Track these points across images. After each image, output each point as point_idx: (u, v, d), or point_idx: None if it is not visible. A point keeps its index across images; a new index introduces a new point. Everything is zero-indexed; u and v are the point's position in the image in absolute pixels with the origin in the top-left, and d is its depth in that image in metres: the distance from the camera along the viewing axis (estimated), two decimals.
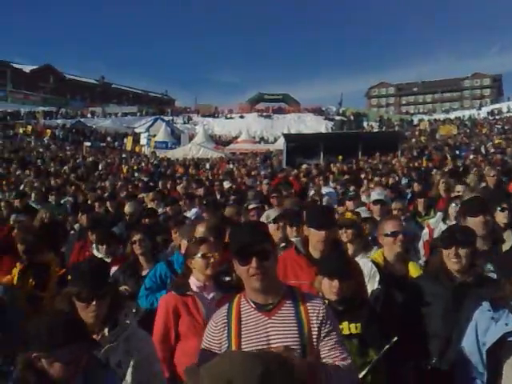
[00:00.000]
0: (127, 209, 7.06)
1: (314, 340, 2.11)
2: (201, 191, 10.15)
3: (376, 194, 6.56)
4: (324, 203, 7.88)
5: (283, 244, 4.54)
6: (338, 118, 58.09)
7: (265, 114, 61.16)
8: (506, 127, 39.74)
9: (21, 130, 38.24)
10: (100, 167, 21.31)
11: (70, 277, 2.91)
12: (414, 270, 3.75)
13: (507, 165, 13.97)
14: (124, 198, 9.25)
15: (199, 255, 3.38)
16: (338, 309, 2.84)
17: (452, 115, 59.21)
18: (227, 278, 3.61)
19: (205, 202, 7.98)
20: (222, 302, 3.21)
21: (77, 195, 11.22)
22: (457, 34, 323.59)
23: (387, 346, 2.82)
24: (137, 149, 34.94)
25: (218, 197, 10.11)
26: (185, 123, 55.98)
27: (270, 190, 9.77)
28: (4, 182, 15.12)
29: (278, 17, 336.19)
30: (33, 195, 10.51)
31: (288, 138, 26.10)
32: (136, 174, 18.73)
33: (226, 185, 12.76)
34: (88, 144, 33.32)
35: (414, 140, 35.82)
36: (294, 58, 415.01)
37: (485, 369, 2.63)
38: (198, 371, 1.47)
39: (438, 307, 3.09)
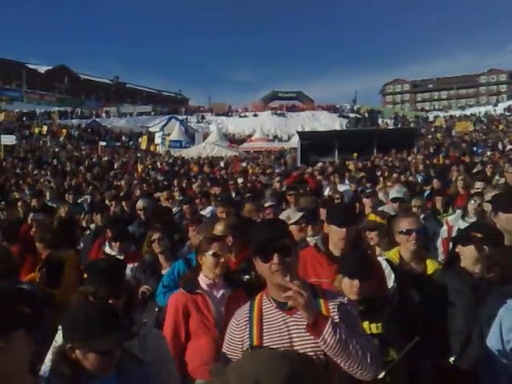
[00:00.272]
0: (140, 204, 7.05)
1: None
2: (216, 189, 10.17)
3: (395, 191, 6.51)
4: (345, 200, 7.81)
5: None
6: (352, 115, 57.56)
7: (279, 111, 60.79)
8: None
9: (36, 130, 38.57)
10: (115, 166, 21.47)
11: (85, 275, 2.92)
12: (432, 267, 3.67)
13: None
14: (139, 197, 9.27)
15: (210, 253, 3.37)
16: (359, 309, 2.80)
17: (468, 112, 58.41)
18: (246, 277, 3.59)
19: (219, 199, 7.98)
20: (232, 299, 3.22)
21: (94, 194, 11.35)
22: (473, 30, 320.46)
23: (409, 346, 2.77)
24: (151, 148, 35.05)
25: (234, 195, 10.11)
26: (198, 122, 56.02)
27: (282, 188, 9.75)
28: (21, 182, 15.35)
29: (291, 15, 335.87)
30: (48, 194, 10.64)
31: (302, 135, 25.95)
32: (151, 173, 18.83)
33: (240, 181, 12.78)
34: (103, 143, 33.43)
35: (429, 137, 35.43)
36: (308, 55, 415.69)
37: (510, 366, 2.58)
38: (224, 371, 1.45)
39: (459, 304, 3.04)
